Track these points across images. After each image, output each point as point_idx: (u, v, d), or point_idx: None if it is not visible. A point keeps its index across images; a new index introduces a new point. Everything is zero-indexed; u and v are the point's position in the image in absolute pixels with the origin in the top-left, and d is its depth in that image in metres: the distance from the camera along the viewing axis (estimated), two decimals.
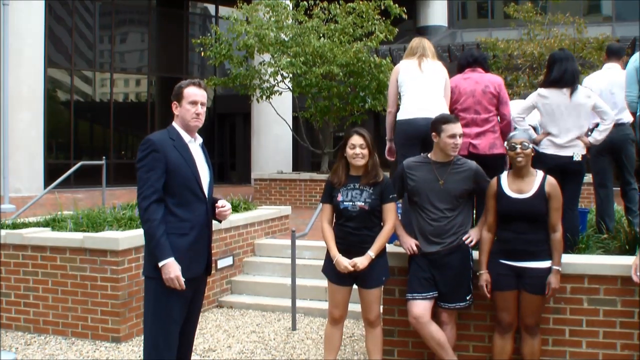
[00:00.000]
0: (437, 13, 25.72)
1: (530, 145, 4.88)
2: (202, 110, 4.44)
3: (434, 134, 5.08)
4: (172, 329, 4.35)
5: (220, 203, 4.65)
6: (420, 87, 5.96)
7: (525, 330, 5.01)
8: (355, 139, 5.07)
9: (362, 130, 5.14)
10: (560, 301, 5.29)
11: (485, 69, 6.39)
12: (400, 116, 6.00)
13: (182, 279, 4.20)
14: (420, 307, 5.00)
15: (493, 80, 6.19)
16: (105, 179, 12.91)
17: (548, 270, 4.83)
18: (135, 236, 6.85)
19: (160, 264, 4.17)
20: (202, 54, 16.42)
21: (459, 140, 5.01)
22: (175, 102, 4.44)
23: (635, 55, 6.40)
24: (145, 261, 4.37)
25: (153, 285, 4.29)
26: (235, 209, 9.33)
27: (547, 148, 5.96)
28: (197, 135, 4.54)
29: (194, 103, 4.41)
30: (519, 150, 4.86)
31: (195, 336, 6.90)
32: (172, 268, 4.17)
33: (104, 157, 13.13)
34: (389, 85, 6.31)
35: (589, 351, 5.26)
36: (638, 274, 4.86)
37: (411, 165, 5.22)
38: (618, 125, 6.82)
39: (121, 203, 8.83)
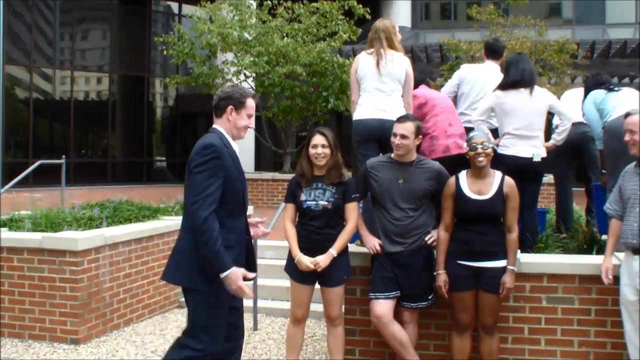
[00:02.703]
0: (400, 14, 25.81)
1: (491, 146, 4.91)
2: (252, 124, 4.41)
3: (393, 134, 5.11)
4: (221, 339, 4.26)
5: (254, 220, 4.59)
6: (376, 89, 5.94)
7: (483, 329, 5.05)
8: (318, 139, 5.08)
9: (324, 130, 5.15)
10: (519, 300, 5.35)
11: (429, 85, 6.86)
12: (356, 115, 6.00)
13: (246, 287, 4.08)
14: (383, 307, 5.02)
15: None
16: (65, 179, 12.72)
17: (505, 270, 4.88)
18: (95, 236, 6.77)
19: (222, 275, 3.99)
20: (165, 52, 16.32)
21: (398, 141, 5.00)
22: (232, 107, 4.28)
23: (588, 97, 6.55)
24: (193, 274, 4.13)
25: (203, 299, 4.14)
26: None
27: (506, 149, 6.01)
28: None
29: (250, 116, 4.37)
30: (479, 150, 4.89)
31: (156, 337, 6.87)
32: (235, 277, 4.01)
33: (63, 156, 12.92)
34: (350, 77, 6.30)
35: (547, 348, 5.33)
36: (610, 276, 4.93)
37: (374, 165, 5.23)
38: (576, 125, 6.93)
39: (81, 203, 8.70)
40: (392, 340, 5.06)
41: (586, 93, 6.81)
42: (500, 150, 5.92)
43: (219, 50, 15.10)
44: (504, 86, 6.21)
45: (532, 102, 6.08)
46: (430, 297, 5.14)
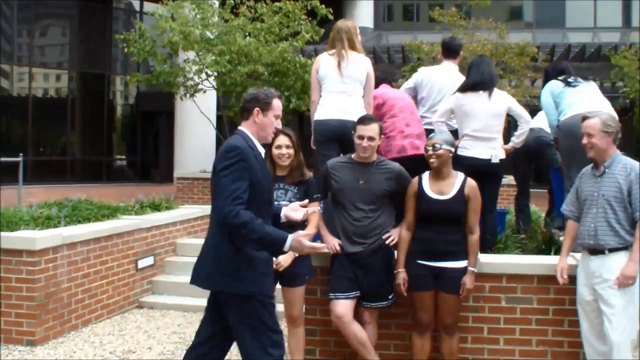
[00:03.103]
0: (363, 14, 25.86)
1: (443, 147, 4.93)
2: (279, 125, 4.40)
3: (353, 132, 5.11)
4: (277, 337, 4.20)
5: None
6: (337, 90, 5.95)
7: (443, 329, 5.09)
8: (282, 139, 5.09)
9: (287, 130, 5.16)
10: (479, 300, 5.40)
11: (391, 85, 6.85)
12: (317, 116, 6.01)
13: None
14: (343, 307, 5.03)
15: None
16: (23, 177, 12.52)
17: (465, 271, 4.93)
18: (52, 236, 6.69)
19: (285, 248, 4.00)
20: (126, 50, 16.11)
21: (366, 143, 5.01)
22: (258, 108, 4.26)
23: (547, 86, 6.60)
24: (237, 277, 4.07)
25: (252, 303, 4.09)
26: (157, 208, 9.20)
27: (465, 151, 6.06)
28: None
29: (277, 117, 4.35)
30: (430, 152, 4.94)
31: (115, 337, 6.80)
32: (299, 239, 4.00)
33: (21, 154, 12.73)
34: (311, 77, 6.30)
35: (506, 348, 5.39)
36: (565, 276, 5.01)
37: (335, 165, 5.24)
38: (532, 130, 7.04)
39: (39, 202, 8.58)
40: (352, 340, 5.07)
41: (545, 80, 6.84)
42: (459, 152, 5.97)
43: (180, 49, 14.96)
44: (463, 88, 6.27)
45: (491, 104, 6.14)
46: (390, 297, 5.16)
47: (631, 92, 17.10)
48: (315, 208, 5.12)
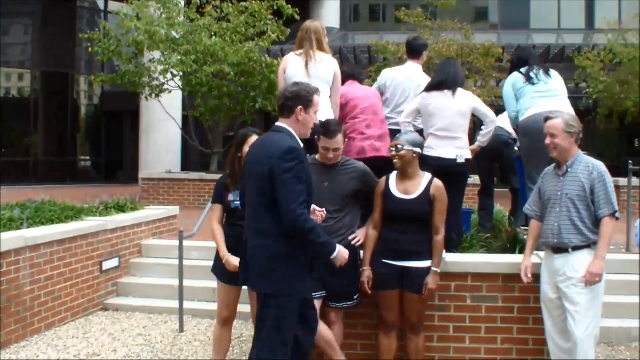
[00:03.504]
0: (329, 15, 25.92)
1: (406, 148, 4.94)
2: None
3: (316, 137, 5.10)
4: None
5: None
6: None
7: (409, 329, 5.10)
8: (255, 140, 5.06)
9: (258, 131, 5.17)
10: (445, 299, 5.43)
11: (361, 83, 6.73)
12: None
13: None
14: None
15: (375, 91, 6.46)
16: None
17: (429, 270, 4.94)
18: (15, 238, 6.58)
19: (333, 256, 4.27)
20: (90, 49, 15.99)
21: (332, 154, 5.00)
22: (301, 106, 4.28)
23: (509, 77, 6.66)
24: (280, 278, 4.17)
25: (287, 303, 4.22)
26: (122, 209, 9.10)
27: (431, 151, 6.10)
28: None
29: (316, 112, 4.40)
30: (393, 152, 4.95)
31: (79, 340, 6.72)
32: (343, 252, 4.33)
33: None
34: (278, 76, 6.28)
35: (472, 346, 5.43)
36: (529, 275, 5.05)
37: None
38: None
39: (1, 203, 8.45)
40: (319, 340, 5.06)
41: (512, 70, 6.89)
42: (425, 152, 6.00)
43: (146, 49, 14.87)
44: (428, 88, 6.31)
45: (456, 103, 6.19)
46: (355, 297, 5.16)
47: (594, 92, 17.36)
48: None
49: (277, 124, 4.37)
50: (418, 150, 5.02)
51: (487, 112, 6.39)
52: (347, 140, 5.95)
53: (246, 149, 5.06)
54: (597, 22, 24.64)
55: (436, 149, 6.12)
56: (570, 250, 4.78)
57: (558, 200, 4.85)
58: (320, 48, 6.09)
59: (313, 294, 5.04)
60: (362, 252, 5.22)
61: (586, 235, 4.76)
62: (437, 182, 5.05)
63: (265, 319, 4.23)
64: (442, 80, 6.26)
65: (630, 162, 9.73)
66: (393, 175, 5.12)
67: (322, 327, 5.05)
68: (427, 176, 5.08)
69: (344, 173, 5.11)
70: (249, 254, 4.30)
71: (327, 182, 5.06)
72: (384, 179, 5.13)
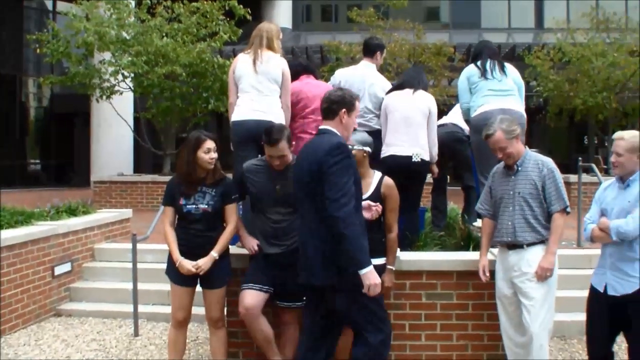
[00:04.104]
0: (282, 15, 25.90)
1: (356, 147, 4.93)
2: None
3: (262, 142, 5.08)
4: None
5: (366, 203, 4.70)
6: (253, 88, 5.91)
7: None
8: (210, 143, 5.05)
9: (211, 135, 5.14)
10: (400, 297, 5.45)
11: (316, 77, 6.62)
12: (234, 117, 5.95)
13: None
14: (253, 298, 5.04)
15: (328, 86, 6.37)
16: None
17: (383, 268, 4.95)
18: None
19: (363, 272, 4.13)
20: (38, 50, 15.72)
21: (277, 161, 4.98)
22: (345, 110, 4.46)
23: (466, 69, 6.73)
24: (331, 269, 4.27)
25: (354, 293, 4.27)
26: (74, 212, 8.97)
27: (387, 149, 6.13)
28: None
29: (356, 116, 4.58)
30: None
31: (31, 348, 6.60)
32: (374, 273, 4.17)
33: None
34: (229, 78, 6.24)
35: (428, 343, 5.46)
36: (487, 273, 5.09)
37: (250, 168, 5.20)
38: (445, 125, 7.18)
39: None
40: (258, 334, 5.12)
41: (470, 63, 6.95)
42: (382, 151, 6.03)
43: (95, 50, 14.67)
44: (389, 90, 6.40)
45: (414, 101, 6.26)
46: (304, 298, 5.15)
47: (544, 91, 17.64)
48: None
49: (321, 127, 4.53)
50: (368, 149, 5.02)
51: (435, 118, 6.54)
52: (296, 139, 5.97)
53: (201, 153, 5.01)
54: (546, 21, 25.03)
55: (391, 146, 6.16)
56: (524, 246, 4.84)
57: (511, 199, 4.90)
58: (270, 47, 6.05)
59: (260, 286, 5.05)
60: None
61: (540, 231, 4.84)
62: (388, 181, 5.05)
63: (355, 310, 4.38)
64: (405, 80, 6.37)
65: (579, 159, 9.92)
66: None
67: (263, 322, 5.11)
68: (377, 175, 5.08)
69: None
70: (304, 253, 4.44)
71: (279, 185, 5.04)
72: None
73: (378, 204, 4.83)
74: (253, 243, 5.16)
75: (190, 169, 5.07)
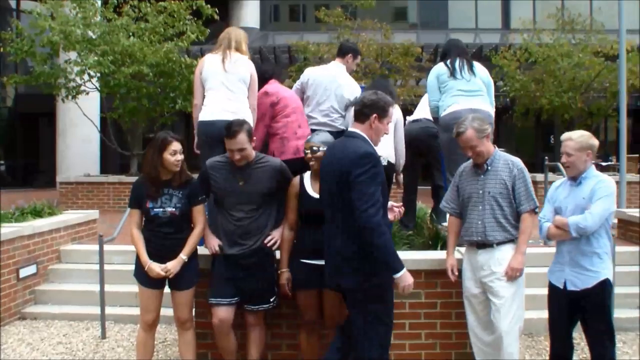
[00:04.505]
0: (249, 15, 25.86)
1: (322, 149, 4.92)
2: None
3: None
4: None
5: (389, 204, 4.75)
6: (223, 86, 5.91)
7: (332, 328, 5.09)
8: (176, 145, 5.00)
9: (177, 136, 5.10)
10: None
11: (281, 82, 6.68)
12: (202, 117, 5.93)
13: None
14: (225, 312, 5.05)
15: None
16: None
17: None
18: None
19: (398, 275, 4.30)
20: (2, 49, 15.49)
21: (238, 155, 4.95)
22: (376, 115, 4.48)
23: (435, 67, 6.75)
24: (369, 275, 4.35)
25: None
26: (39, 214, 8.86)
27: None
28: None
29: (389, 123, 4.61)
30: (309, 154, 4.94)
31: None
32: (408, 275, 4.36)
33: None
34: (194, 79, 6.23)
35: (396, 342, 5.45)
36: (455, 272, 5.11)
37: (213, 165, 5.17)
38: (418, 121, 7.20)
39: None
40: (227, 346, 5.17)
41: (440, 59, 6.98)
42: None
43: (61, 49, 14.50)
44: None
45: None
46: (272, 300, 5.14)
47: (511, 91, 17.81)
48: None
49: (351, 129, 4.61)
50: None
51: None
52: (280, 139, 5.99)
53: (166, 155, 4.97)
54: (512, 22, 25.27)
55: None
56: (494, 245, 4.87)
57: (480, 198, 4.92)
58: (238, 50, 6.08)
59: (229, 299, 5.04)
60: (278, 254, 5.19)
61: (510, 230, 4.88)
62: None
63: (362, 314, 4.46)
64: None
65: (546, 158, 10.04)
66: (307, 176, 5.10)
67: (232, 335, 5.17)
68: None
69: (259, 172, 5.07)
70: (330, 254, 4.53)
71: (242, 181, 5.02)
72: (297, 179, 5.10)
73: (401, 204, 4.92)
74: (214, 243, 5.13)
75: (156, 170, 5.02)
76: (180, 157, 5.01)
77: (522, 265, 4.80)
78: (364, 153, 4.30)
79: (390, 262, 4.30)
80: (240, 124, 5.00)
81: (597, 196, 4.73)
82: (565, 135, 4.91)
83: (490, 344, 4.97)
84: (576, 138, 4.83)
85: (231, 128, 4.94)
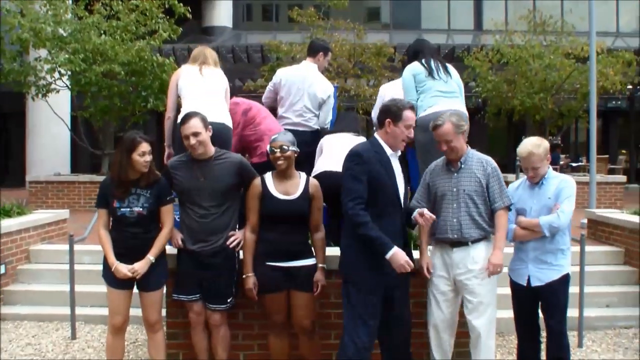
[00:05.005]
0: (222, 14, 25.78)
1: (291, 149, 4.93)
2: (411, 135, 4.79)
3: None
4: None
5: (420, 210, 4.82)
6: (201, 92, 5.99)
7: (302, 332, 5.09)
8: (145, 146, 4.98)
9: (146, 137, 5.07)
10: (340, 296, 5.42)
11: None
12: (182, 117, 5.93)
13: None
14: (199, 306, 5.13)
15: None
16: None
17: (315, 268, 4.96)
18: None
19: (388, 255, 4.50)
20: None
21: (194, 140, 4.95)
22: (390, 119, 4.71)
23: (411, 66, 6.73)
24: (351, 266, 4.71)
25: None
26: (8, 213, 8.74)
27: (321, 166, 6.21)
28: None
29: (409, 127, 4.73)
30: (278, 153, 4.92)
31: None
32: (400, 254, 4.51)
33: None
34: (169, 90, 6.24)
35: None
36: (431, 270, 5.11)
37: (175, 164, 5.19)
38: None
39: None
40: (201, 342, 5.23)
41: (408, 62, 6.96)
42: (314, 169, 6.09)
43: (31, 46, 14.33)
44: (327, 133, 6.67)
45: (352, 143, 6.29)
46: (229, 301, 5.13)
47: (483, 91, 17.94)
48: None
49: (375, 135, 4.89)
50: (297, 149, 5.03)
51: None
52: (255, 148, 6.10)
53: (135, 156, 4.93)
54: (485, 23, 25.43)
55: (325, 163, 6.14)
56: (469, 243, 4.89)
57: (454, 196, 4.93)
58: (215, 65, 6.32)
59: (190, 297, 5.07)
60: (241, 253, 5.17)
61: (484, 228, 4.93)
62: (314, 181, 5.14)
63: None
64: (344, 126, 6.65)
65: (517, 158, 10.07)
66: (268, 176, 5.07)
67: (205, 336, 5.21)
68: (303, 176, 5.11)
69: (220, 167, 5.07)
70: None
71: (203, 177, 5.02)
72: (258, 181, 5.06)
73: (432, 215, 4.86)
74: (177, 237, 5.13)
75: (125, 171, 4.97)
76: (149, 158, 4.97)
77: (501, 261, 4.84)
78: (354, 152, 4.69)
79: (376, 246, 4.52)
80: (195, 113, 5.08)
81: (564, 195, 4.93)
82: (526, 150, 5.05)
83: (449, 343, 5.11)
84: (538, 151, 5.01)
85: (185, 116, 5.07)
